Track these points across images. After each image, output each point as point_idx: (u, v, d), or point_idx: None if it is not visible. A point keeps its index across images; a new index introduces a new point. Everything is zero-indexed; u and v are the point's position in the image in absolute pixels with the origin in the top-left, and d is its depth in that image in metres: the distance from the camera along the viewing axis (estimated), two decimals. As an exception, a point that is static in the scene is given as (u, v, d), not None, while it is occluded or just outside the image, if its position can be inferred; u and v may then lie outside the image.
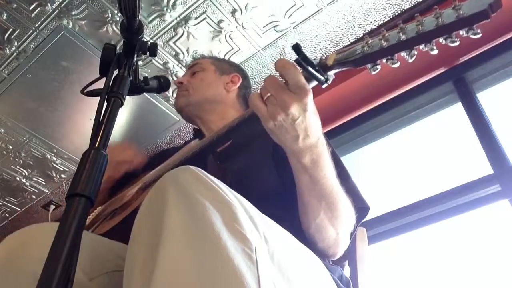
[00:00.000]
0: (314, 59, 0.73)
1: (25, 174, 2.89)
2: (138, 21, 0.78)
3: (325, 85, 0.76)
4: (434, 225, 1.81)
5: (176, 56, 2.19)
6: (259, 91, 0.76)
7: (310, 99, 0.74)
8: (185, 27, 2.05)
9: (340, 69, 0.74)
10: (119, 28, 0.93)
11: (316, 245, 0.90)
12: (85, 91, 0.85)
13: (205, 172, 0.66)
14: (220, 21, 2.03)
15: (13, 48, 2.11)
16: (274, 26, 2.06)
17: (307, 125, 0.75)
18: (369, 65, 0.71)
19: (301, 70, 0.73)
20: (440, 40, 0.64)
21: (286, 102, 0.72)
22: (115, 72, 0.79)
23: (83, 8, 1.96)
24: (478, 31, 0.61)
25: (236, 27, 2.06)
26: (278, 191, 0.99)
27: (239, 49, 2.16)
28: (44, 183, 2.98)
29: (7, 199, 3.09)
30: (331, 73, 0.75)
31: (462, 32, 0.62)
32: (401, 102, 2.15)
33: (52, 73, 2.21)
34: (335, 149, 1.03)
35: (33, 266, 0.69)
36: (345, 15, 2.01)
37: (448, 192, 1.79)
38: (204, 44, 2.13)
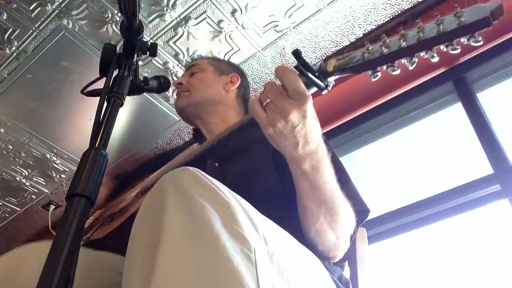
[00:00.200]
0: (314, 65, 0.73)
1: (25, 174, 2.88)
2: (138, 21, 0.79)
3: (325, 92, 0.75)
4: (434, 225, 1.81)
5: (176, 56, 2.19)
6: (258, 97, 0.76)
7: (310, 105, 0.73)
8: (185, 27, 2.05)
9: (340, 75, 0.74)
10: (119, 28, 0.93)
11: (316, 248, 0.90)
12: (85, 91, 0.85)
13: (204, 173, 0.66)
14: (220, 21, 2.03)
15: (13, 48, 2.11)
16: (274, 26, 2.06)
17: (306, 131, 0.75)
18: (369, 72, 0.70)
19: (301, 76, 0.72)
20: (441, 47, 0.64)
21: (286, 108, 0.71)
22: (115, 72, 0.80)
23: (83, 8, 1.96)
24: (480, 38, 0.61)
25: (236, 27, 2.06)
26: (278, 193, 0.99)
27: (239, 49, 2.16)
28: (44, 183, 2.98)
29: (7, 199, 3.09)
30: (331, 79, 0.75)
31: (463, 40, 0.62)
32: (401, 102, 2.15)
33: (52, 73, 2.21)
34: (335, 152, 1.03)
35: (32, 280, 0.70)
36: (345, 15, 2.01)
37: (448, 192, 1.79)
38: (204, 44, 2.13)
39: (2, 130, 2.54)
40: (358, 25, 2.05)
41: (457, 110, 2.00)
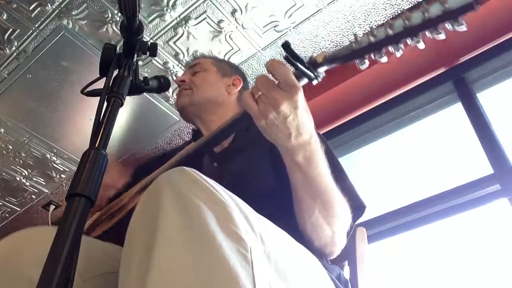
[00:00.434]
0: (304, 57, 0.74)
1: (25, 174, 2.88)
2: (138, 21, 0.79)
3: (315, 82, 0.77)
4: (433, 224, 1.81)
5: (176, 56, 2.19)
6: (250, 90, 0.77)
7: (300, 96, 0.74)
8: (185, 27, 2.05)
9: (330, 66, 0.76)
10: (119, 28, 0.93)
11: (313, 244, 0.90)
12: (85, 91, 0.85)
13: (200, 173, 0.66)
14: (220, 21, 2.03)
15: (13, 48, 2.11)
16: (274, 26, 2.06)
17: (298, 122, 0.75)
18: (357, 61, 0.73)
19: (292, 69, 0.74)
20: (427, 33, 0.67)
21: (277, 100, 0.72)
22: (115, 72, 0.80)
23: (83, 8, 1.96)
24: (463, 22, 0.63)
25: (236, 27, 2.06)
26: (275, 192, 0.99)
27: (239, 49, 2.16)
28: (44, 183, 2.98)
29: (7, 199, 3.09)
30: (321, 70, 0.77)
31: (448, 26, 0.65)
32: (401, 102, 2.15)
33: (52, 73, 2.21)
34: (332, 149, 1.04)
35: (29, 270, 0.70)
36: (345, 15, 2.01)
37: (448, 192, 1.79)
38: (204, 44, 2.13)
39: (2, 130, 2.54)
40: (358, 25, 2.05)
41: (457, 110, 2.00)
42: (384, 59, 0.71)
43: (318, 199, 0.84)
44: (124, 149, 2.70)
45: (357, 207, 0.97)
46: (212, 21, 2.03)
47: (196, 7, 1.97)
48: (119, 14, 1.98)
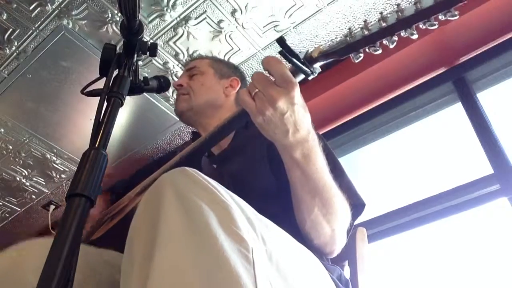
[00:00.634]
0: (300, 52, 0.74)
1: (25, 174, 2.88)
2: (138, 21, 0.79)
3: (311, 77, 0.77)
4: (433, 223, 1.81)
5: (176, 56, 2.19)
6: (247, 87, 0.77)
7: (297, 92, 0.74)
8: (185, 27, 2.05)
9: (325, 61, 0.76)
10: (119, 28, 0.93)
11: (313, 243, 0.90)
12: (85, 91, 0.85)
13: (202, 174, 0.66)
14: (220, 21, 2.03)
15: (13, 48, 2.11)
16: (274, 26, 2.06)
17: (296, 119, 0.75)
18: (352, 55, 0.74)
19: (288, 64, 0.74)
20: (420, 25, 0.67)
21: (273, 96, 0.72)
22: (115, 72, 0.79)
23: (83, 8, 1.96)
24: (456, 13, 0.64)
25: (236, 27, 2.06)
26: (275, 192, 0.99)
27: (239, 49, 2.16)
28: (44, 183, 2.98)
29: (7, 199, 3.09)
30: (317, 65, 0.77)
31: (441, 16, 0.65)
32: (401, 102, 2.15)
33: (52, 73, 2.21)
34: (332, 149, 1.03)
35: (31, 277, 0.70)
36: (345, 15, 2.01)
37: (448, 192, 1.79)
38: (204, 44, 2.13)
39: (2, 130, 2.54)
40: (358, 25, 2.05)
41: (457, 110, 2.00)
42: (379, 52, 0.72)
43: (317, 196, 0.84)
44: (124, 149, 2.70)
45: (356, 204, 0.97)
46: (212, 21, 2.03)
47: (196, 7, 1.97)
48: (119, 14, 1.98)
